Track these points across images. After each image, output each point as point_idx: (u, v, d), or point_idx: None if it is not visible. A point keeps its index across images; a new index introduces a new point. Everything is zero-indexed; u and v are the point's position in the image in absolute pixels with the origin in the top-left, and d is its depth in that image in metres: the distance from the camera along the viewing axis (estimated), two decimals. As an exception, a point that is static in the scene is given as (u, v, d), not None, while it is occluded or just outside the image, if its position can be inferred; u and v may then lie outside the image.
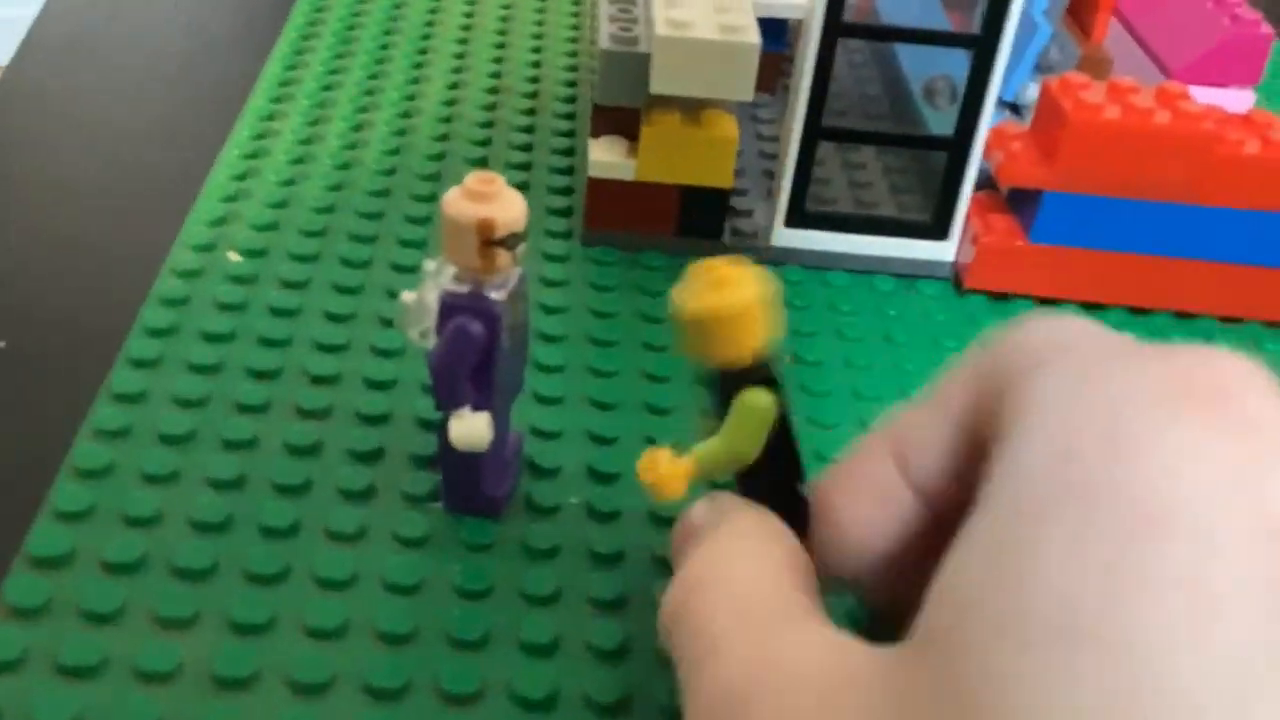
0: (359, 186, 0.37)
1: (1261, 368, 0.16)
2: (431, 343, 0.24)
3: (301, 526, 0.26)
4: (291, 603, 0.24)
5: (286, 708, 0.22)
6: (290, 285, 0.33)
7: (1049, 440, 0.15)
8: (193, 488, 0.26)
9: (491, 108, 0.42)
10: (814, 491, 0.22)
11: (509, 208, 0.23)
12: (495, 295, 0.24)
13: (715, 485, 0.22)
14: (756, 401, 0.21)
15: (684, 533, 0.22)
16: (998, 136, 0.35)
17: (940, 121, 0.37)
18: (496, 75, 0.44)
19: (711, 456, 0.22)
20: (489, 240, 0.23)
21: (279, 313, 0.32)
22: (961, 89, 0.34)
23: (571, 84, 0.44)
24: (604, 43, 0.34)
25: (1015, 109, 0.41)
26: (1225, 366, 0.15)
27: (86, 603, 0.23)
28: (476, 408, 0.24)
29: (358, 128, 0.40)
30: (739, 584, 0.20)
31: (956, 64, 0.39)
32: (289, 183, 0.37)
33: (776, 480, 0.22)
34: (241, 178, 0.37)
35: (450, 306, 0.24)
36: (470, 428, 0.24)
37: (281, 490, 0.27)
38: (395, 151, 0.39)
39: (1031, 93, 0.40)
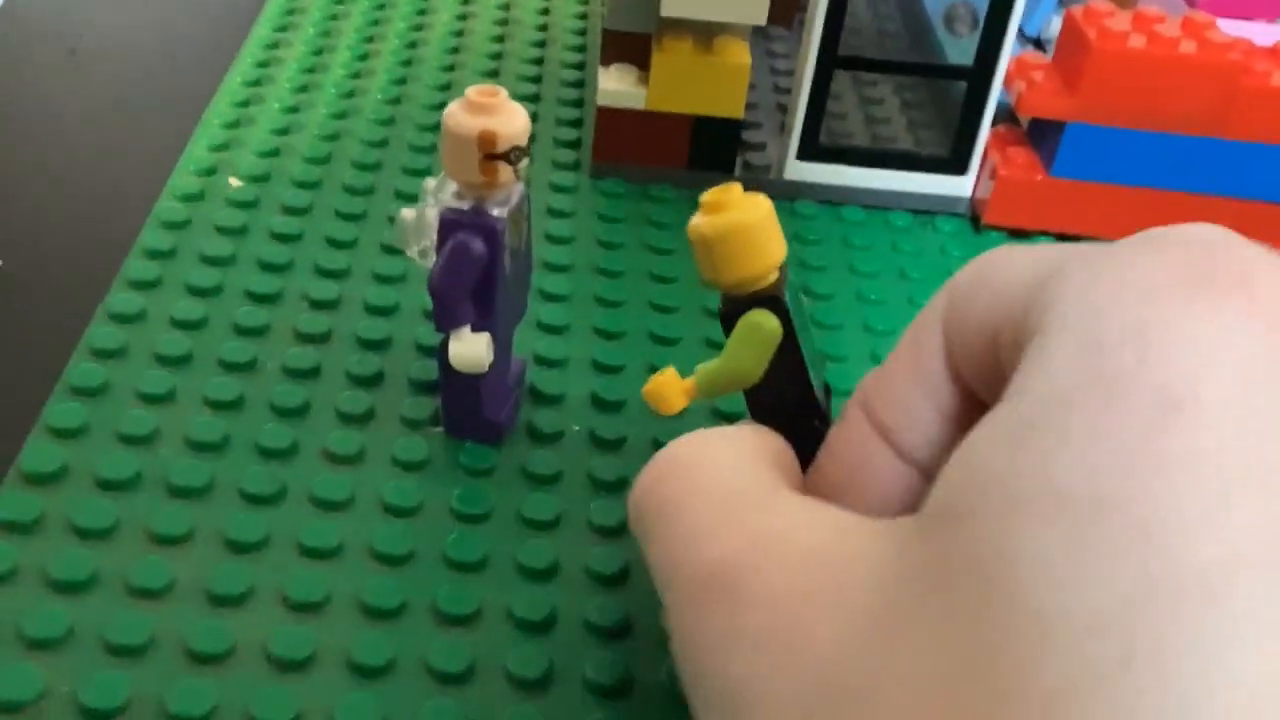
0: (363, 114, 0.36)
1: (1275, 252, 0.15)
2: (431, 261, 0.24)
3: (299, 448, 0.25)
4: (287, 523, 0.24)
5: (280, 624, 0.22)
6: (292, 211, 0.32)
7: (1074, 334, 0.15)
8: (190, 408, 0.26)
9: (500, 39, 0.41)
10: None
11: (512, 120, 0.23)
12: (496, 212, 0.23)
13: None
14: (758, 321, 0.21)
15: (658, 471, 0.20)
16: (1019, 66, 0.34)
17: (960, 53, 0.36)
18: (505, 7, 0.43)
19: (711, 375, 0.21)
20: (490, 154, 0.22)
21: (280, 238, 0.31)
22: (983, 16, 0.33)
23: (582, 16, 0.43)
24: (615, -35, 0.33)
25: (1039, 44, 0.40)
26: (1245, 252, 0.15)
27: (79, 518, 0.23)
28: (476, 328, 0.24)
29: (363, 56, 0.39)
30: (723, 464, 0.19)
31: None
32: (292, 110, 0.36)
33: (783, 404, 0.22)
34: (245, 104, 0.36)
35: (450, 223, 0.23)
36: (470, 348, 0.24)
37: (280, 412, 0.26)
38: (401, 81, 0.38)
39: (1055, 27, 0.39)
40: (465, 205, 0.23)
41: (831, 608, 0.15)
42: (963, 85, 0.34)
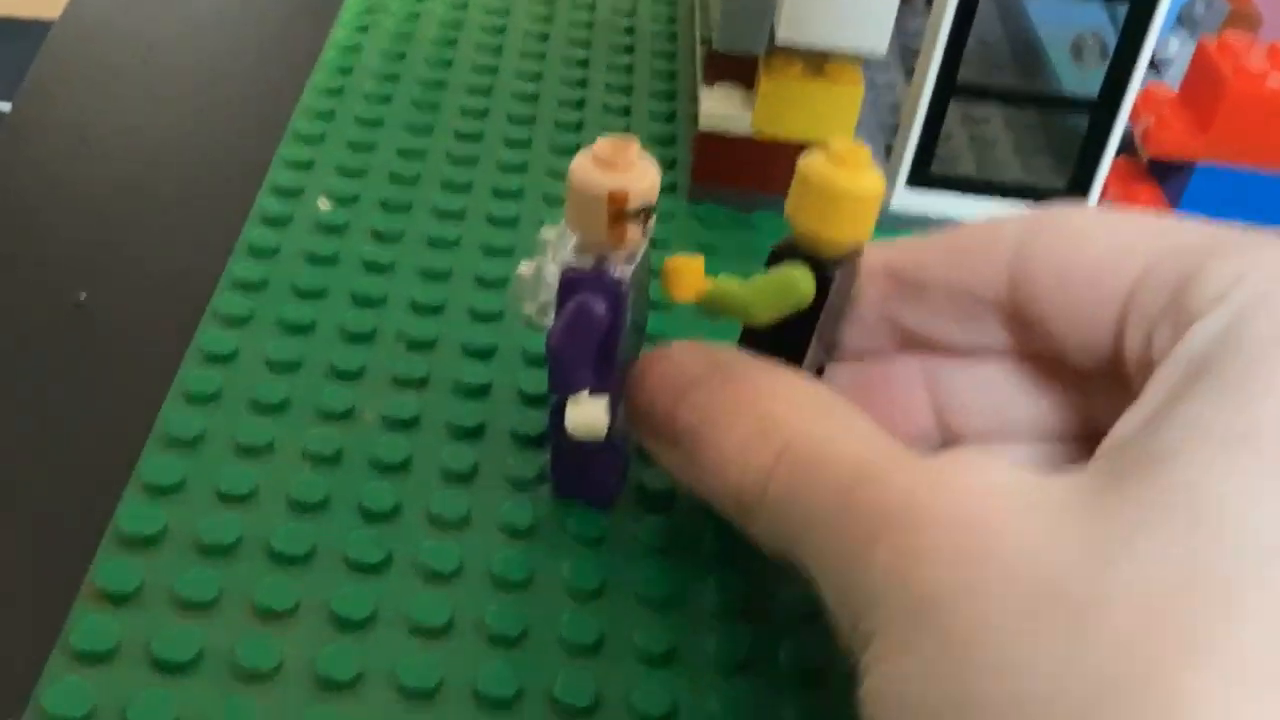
0: (446, 129, 0.35)
1: None
2: (549, 319, 0.22)
3: (403, 509, 0.24)
4: (394, 595, 0.23)
5: (393, 713, 0.21)
6: (382, 238, 0.31)
7: (1266, 304, 0.16)
8: (290, 460, 0.25)
9: (585, 44, 0.40)
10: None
11: (643, 177, 0.21)
12: (620, 272, 0.22)
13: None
14: (797, 279, 0.21)
15: (676, 381, 0.22)
16: (1145, 99, 0.32)
17: (1074, 77, 0.34)
18: (591, 8, 0.41)
19: (727, 293, 0.21)
20: (620, 213, 0.21)
21: (372, 267, 0.30)
22: (1111, 45, 0.31)
23: (671, 19, 0.41)
24: (726, -16, 0.31)
25: (1154, 64, 0.38)
26: None
27: (181, 588, 0.22)
28: (595, 391, 0.23)
29: (442, 63, 0.38)
30: (859, 427, 0.19)
31: (1092, 16, 0.36)
32: (375, 123, 0.35)
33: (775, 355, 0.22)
34: (325, 117, 0.35)
35: (571, 281, 0.22)
36: (589, 414, 0.22)
37: (380, 468, 0.25)
38: (486, 91, 0.37)
39: (1172, 47, 0.37)
40: (587, 264, 0.22)
41: (1030, 527, 0.16)
42: (1078, 115, 0.32)
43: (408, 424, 0.26)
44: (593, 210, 0.21)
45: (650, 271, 0.24)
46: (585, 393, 0.22)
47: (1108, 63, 0.31)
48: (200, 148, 0.34)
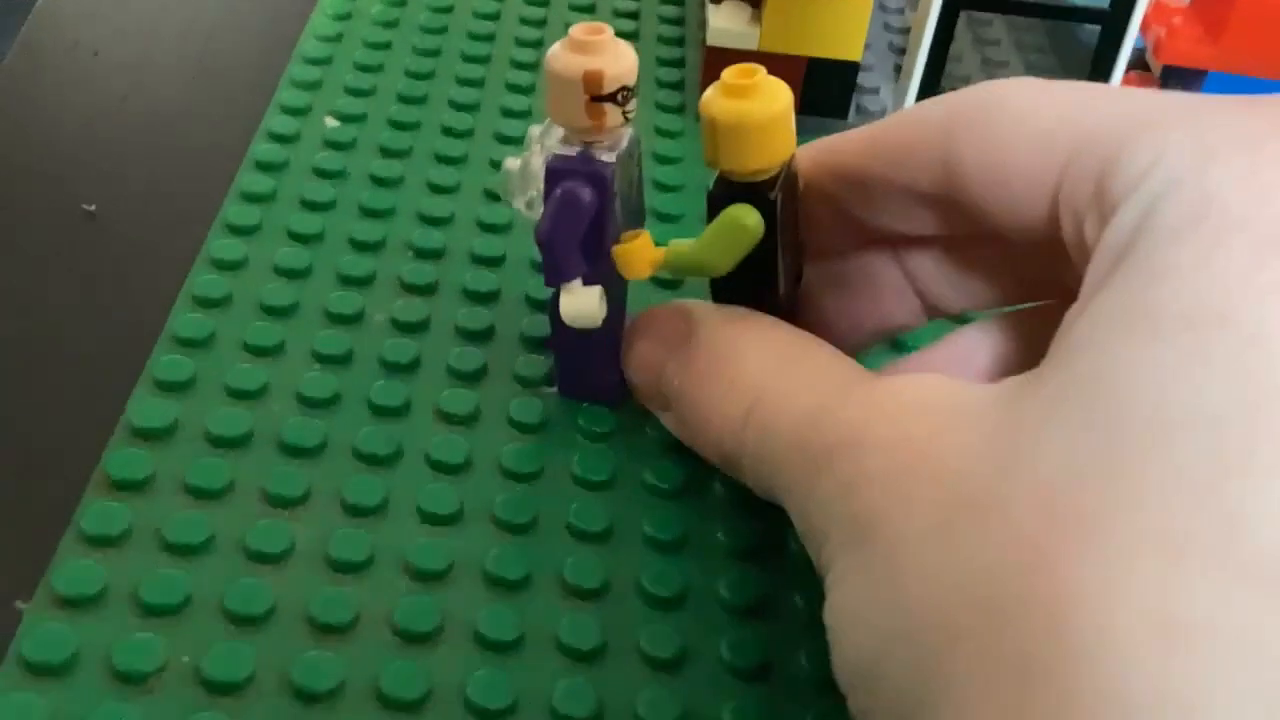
0: (454, 51, 0.35)
1: None
2: (538, 211, 0.22)
3: (412, 407, 0.24)
4: (405, 486, 0.23)
5: (405, 595, 0.21)
6: (391, 154, 0.31)
7: (1186, 179, 0.16)
8: (299, 362, 0.25)
9: None
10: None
11: (619, 59, 0.21)
12: (605, 157, 0.22)
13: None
14: (740, 217, 0.21)
15: (656, 351, 0.23)
16: (1157, 10, 0.32)
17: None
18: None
19: (681, 256, 0.22)
20: (597, 95, 0.21)
21: (380, 181, 0.30)
22: (1121, -44, 0.31)
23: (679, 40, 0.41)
24: (730, -103, 0.31)
25: (1165, -16, 0.38)
26: None
27: (192, 477, 0.22)
28: (588, 281, 0.22)
29: (454, -10, 0.38)
30: (820, 369, 0.20)
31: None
32: (383, 46, 0.35)
33: (745, 298, 0.22)
34: (335, 39, 0.35)
35: (557, 171, 0.22)
36: (582, 301, 0.22)
37: (390, 368, 0.25)
38: (494, 16, 0.37)
39: (1184, -34, 0.37)
40: (572, 151, 0.22)
41: (951, 439, 0.16)
42: (1087, 27, 0.32)
43: (416, 327, 0.26)
44: (570, 94, 0.21)
45: (640, 157, 0.24)
46: (579, 282, 0.22)
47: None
48: (206, 67, 0.34)
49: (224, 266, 0.27)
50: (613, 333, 0.24)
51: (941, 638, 0.14)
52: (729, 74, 0.20)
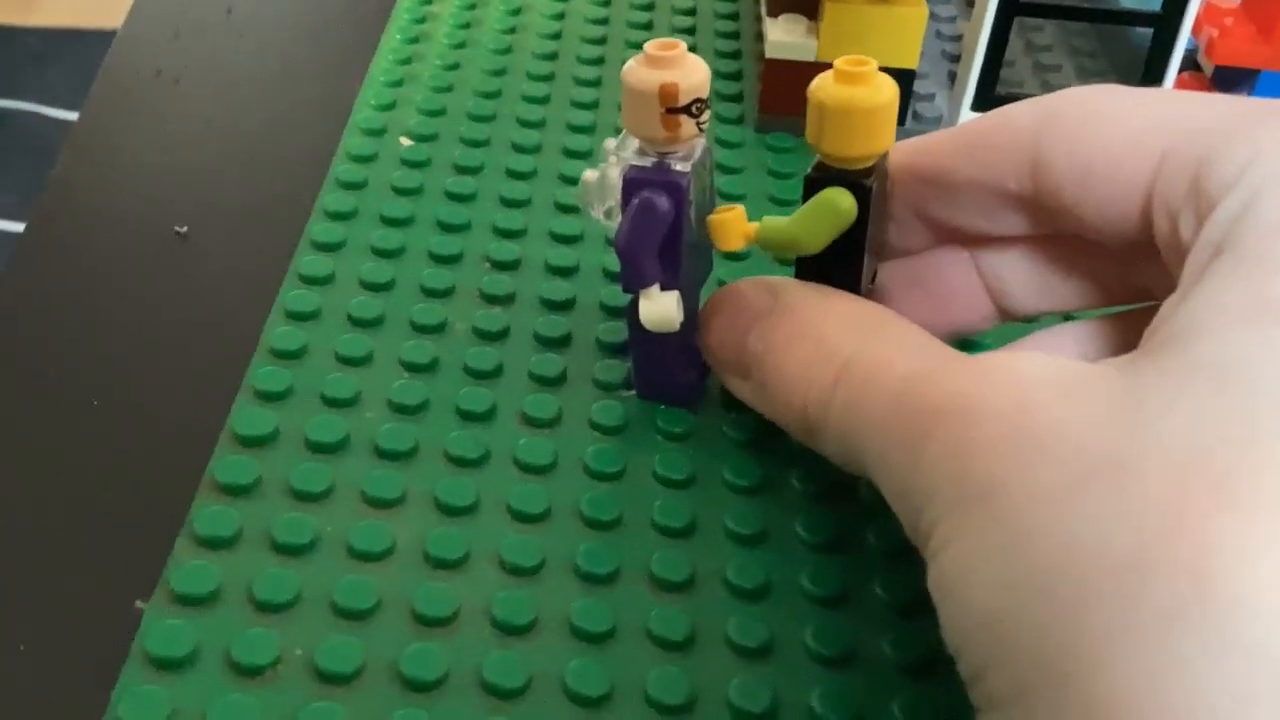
0: (521, 70, 0.36)
1: None
2: (616, 221, 0.23)
3: (497, 411, 0.25)
4: (494, 487, 0.24)
5: (500, 589, 0.22)
6: (465, 170, 0.32)
7: (1264, 193, 0.17)
8: (388, 371, 0.26)
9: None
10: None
11: (692, 72, 0.22)
12: (680, 167, 0.23)
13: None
14: (836, 200, 0.22)
15: (740, 316, 0.23)
16: (1208, 12, 0.33)
17: (1138, -2, 0.35)
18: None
19: (776, 231, 0.22)
20: (672, 107, 0.22)
21: (455, 197, 0.31)
22: (1172, -40, 0.31)
23: (735, 52, 0.42)
24: (787, -86, 0.32)
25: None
26: None
27: (296, 481, 0.23)
28: (665, 287, 0.23)
29: (516, 11, 0.39)
30: (911, 337, 0.21)
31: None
32: (453, 66, 0.36)
33: (828, 281, 0.23)
34: (407, 62, 0.36)
35: (634, 181, 0.23)
36: (660, 306, 0.23)
37: (475, 375, 0.26)
38: (556, 35, 0.38)
39: (1233, -32, 0.37)
40: (648, 162, 0.23)
41: (1071, 409, 0.17)
42: (1138, 30, 0.33)
43: (497, 335, 0.27)
44: (646, 106, 0.22)
45: (713, 166, 0.25)
46: (656, 287, 0.23)
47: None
48: (283, 90, 0.36)
49: (312, 281, 0.28)
50: (688, 336, 0.25)
51: (1077, 593, 0.15)
52: (842, 62, 0.21)
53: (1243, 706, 0.13)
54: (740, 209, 0.23)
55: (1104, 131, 0.20)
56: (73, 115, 1.43)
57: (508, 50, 0.37)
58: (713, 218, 0.23)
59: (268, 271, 0.28)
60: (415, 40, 0.37)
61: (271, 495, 0.23)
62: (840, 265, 0.23)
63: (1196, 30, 0.32)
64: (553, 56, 0.37)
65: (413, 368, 0.26)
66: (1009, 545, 0.16)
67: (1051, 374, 0.17)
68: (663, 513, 0.23)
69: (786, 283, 0.23)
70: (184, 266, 0.29)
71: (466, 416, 0.25)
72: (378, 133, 0.33)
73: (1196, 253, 0.18)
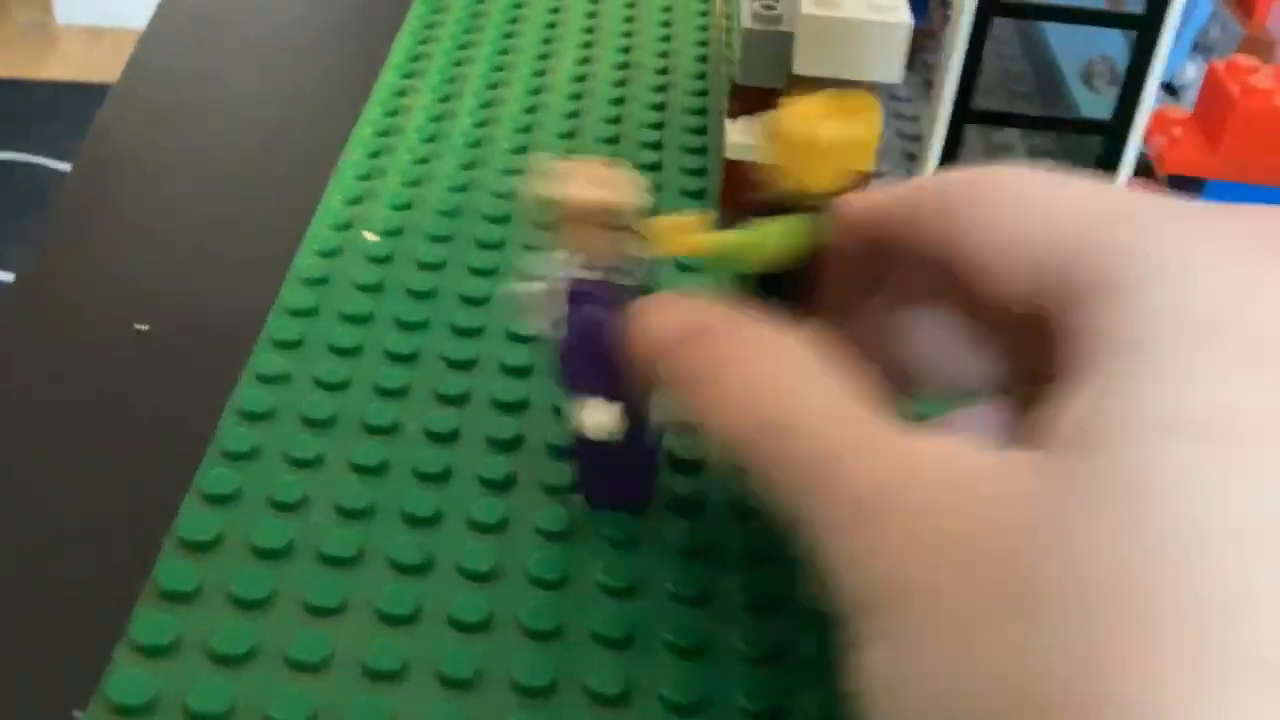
0: (492, 165, 0.37)
1: None
2: (562, 333, 0.24)
3: (444, 516, 0.26)
4: (437, 595, 0.24)
5: (436, 701, 0.22)
6: (427, 267, 0.33)
7: (1172, 284, 0.17)
8: (337, 473, 0.26)
9: (622, 84, 0.41)
10: None
11: (624, 188, 0.22)
12: (622, 280, 0.23)
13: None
14: (804, 223, 0.21)
15: (666, 334, 0.21)
16: (1159, 121, 0.33)
17: (1094, 104, 0.35)
18: (626, 50, 0.43)
19: (721, 242, 0.22)
20: (606, 224, 0.22)
21: (416, 295, 0.31)
22: (1122, 69, 0.32)
23: (703, 59, 0.43)
24: (746, 21, 0.33)
25: (1171, 89, 0.39)
26: None
27: (238, 588, 0.23)
28: (613, 398, 0.24)
29: (488, 104, 0.40)
30: (840, 393, 0.20)
31: (1110, 43, 0.37)
32: (423, 160, 0.37)
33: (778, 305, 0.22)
34: (376, 155, 0.37)
35: (576, 294, 0.23)
36: (600, 416, 0.24)
37: (423, 478, 0.26)
38: (528, 129, 0.39)
39: (1189, 73, 0.38)
40: (591, 275, 0.23)
41: (990, 515, 0.16)
42: (1096, 138, 0.33)
43: (448, 437, 0.27)
44: (582, 224, 0.23)
45: (654, 274, 0.25)
46: (599, 398, 0.24)
47: (1118, 86, 0.32)
48: (254, 187, 0.36)
49: (268, 380, 0.28)
50: (633, 446, 0.25)
51: None
52: (811, 99, 0.21)
53: None
54: (693, 218, 0.22)
55: (1004, 203, 0.20)
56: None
57: (479, 144, 0.38)
58: (656, 219, 0.22)
59: (226, 369, 0.29)
60: (387, 133, 0.38)
61: (212, 603, 0.23)
62: (791, 292, 0.22)
63: (1148, 138, 0.33)
64: (522, 150, 0.38)
65: (362, 470, 0.26)
66: (922, 662, 0.16)
67: (973, 468, 0.17)
68: (602, 623, 0.24)
69: (721, 306, 0.22)
70: (144, 362, 0.30)
71: (412, 521, 0.25)
72: (343, 227, 0.34)
73: (1083, 343, 0.17)
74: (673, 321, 0.22)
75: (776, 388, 0.20)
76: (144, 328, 0.30)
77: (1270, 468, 0.15)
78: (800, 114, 0.21)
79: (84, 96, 1.56)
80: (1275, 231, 0.18)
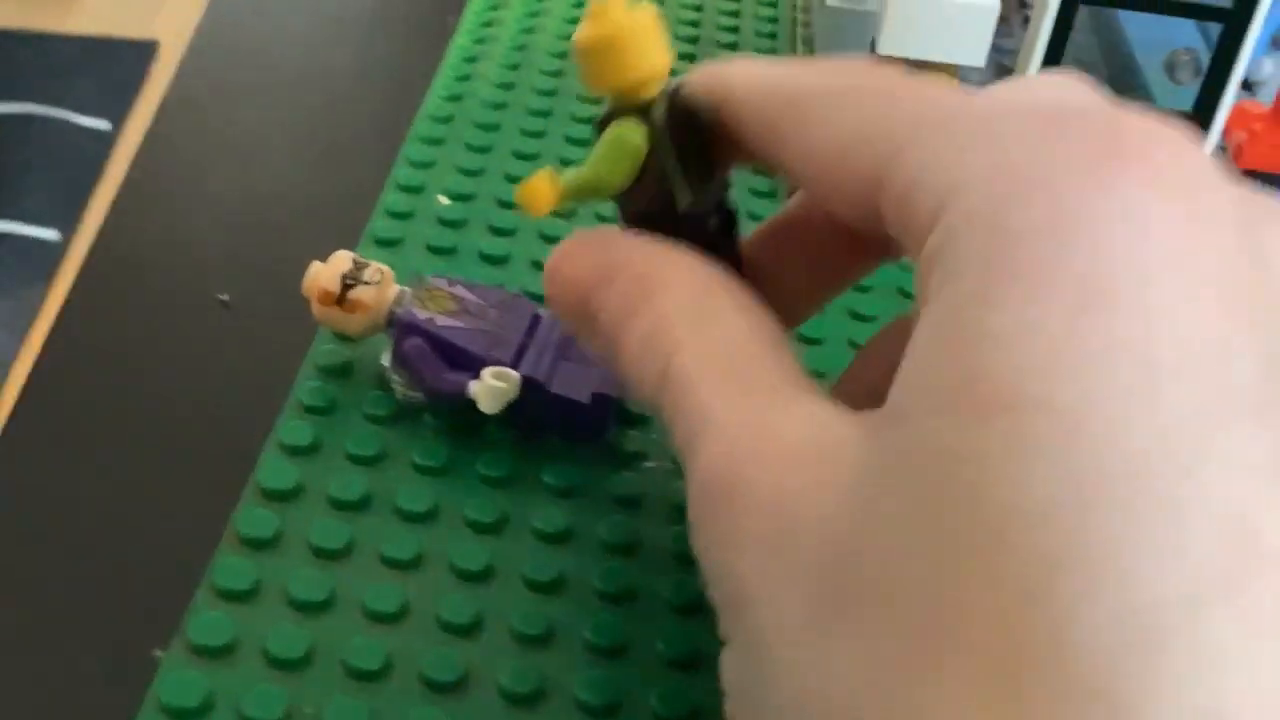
0: (558, 134, 0.37)
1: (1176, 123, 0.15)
2: (415, 390, 0.27)
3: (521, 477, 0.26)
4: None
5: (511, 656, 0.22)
6: (498, 232, 0.33)
7: (986, 226, 0.15)
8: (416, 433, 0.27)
9: (689, 58, 0.41)
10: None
11: (328, 264, 0.27)
12: (412, 314, 0.26)
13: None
14: (621, 133, 0.21)
15: (581, 282, 0.20)
16: (1238, 116, 0.33)
17: (1171, 95, 0.35)
18: (694, 25, 0.43)
19: (575, 181, 0.21)
20: (340, 298, 0.26)
21: (488, 259, 0.32)
22: (1205, 63, 0.32)
23: (772, 35, 0.43)
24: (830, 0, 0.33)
25: (1248, 85, 0.39)
26: (1147, 124, 0.15)
27: (315, 538, 0.24)
28: (491, 367, 0.26)
29: (556, 73, 0.40)
30: (731, 344, 0.18)
31: (1187, 35, 0.37)
32: (493, 127, 0.37)
33: (649, 215, 0.21)
34: (448, 120, 0.37)
35: (399, 325, 0.27)
36: (488, 389, 0.25)
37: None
38: (596, 100, 0.39)
39: (1266, 69, 0.38)
40: (405, 314, 0.27)
41: (818, 503, 0.15)
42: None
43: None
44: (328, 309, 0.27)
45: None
46: (470, 384, 0.25)
47: (1201, 79, 0.32)
48: (325, 156, 0.36)
49: (343, 339, 0.29)
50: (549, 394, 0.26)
51: None
52: (592, 5, 0.21)
53: None
54: (543, 172, 0.21)
55: (841, 117, 0.18)
56: (101, 123, 1.46)
57: (547, 113, 0.38)
58: (520, 190, 0.21)
59: (303, 331, 0.29)
60: (457, 98, 0.38)
61: (291, 550, 0.24)
62: (650, 196, 0.21)
63: (1227, 133, 0.33)
64: (589, 120, 0.38)
65: (438, 431, 0.27)
66: (758, 668, 0.16)
67: (816, 446, 0.16)
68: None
69: (625, 241, 0.21)
70: (227, 333, 0.30)
71: (487, 480, 0.26)
72: (415, 190, 0.34)
73: (921, 275, 0.16)
74: (590, 263, 0.21)
75: (678, 324, 0.19)
76: (225, 297, 0.31)
77: (1075, 441, 0.13)
78: (590, 26, 0.20)
79: (105, 51, 1.57)
80: (1106, 135, 0.15)
